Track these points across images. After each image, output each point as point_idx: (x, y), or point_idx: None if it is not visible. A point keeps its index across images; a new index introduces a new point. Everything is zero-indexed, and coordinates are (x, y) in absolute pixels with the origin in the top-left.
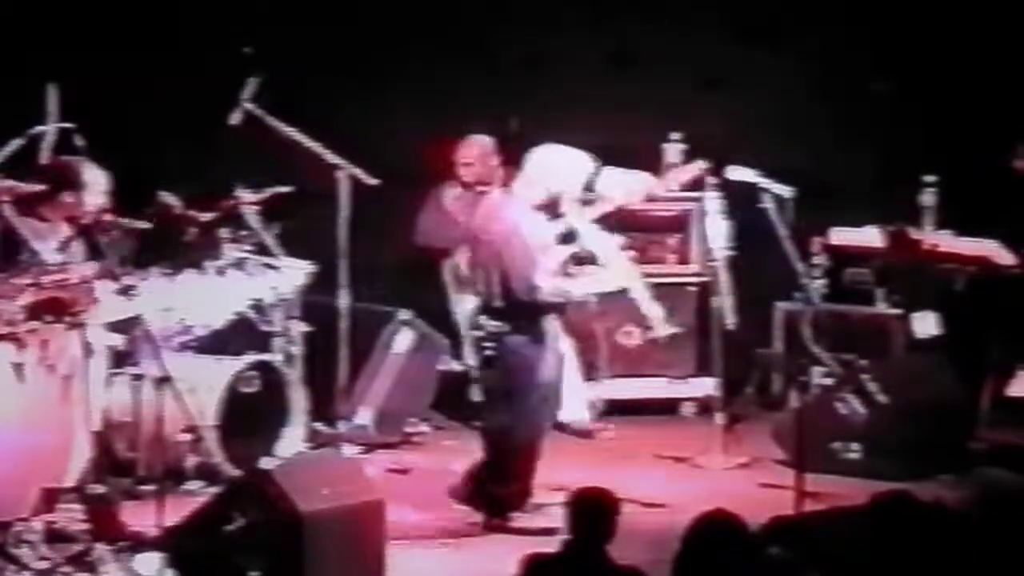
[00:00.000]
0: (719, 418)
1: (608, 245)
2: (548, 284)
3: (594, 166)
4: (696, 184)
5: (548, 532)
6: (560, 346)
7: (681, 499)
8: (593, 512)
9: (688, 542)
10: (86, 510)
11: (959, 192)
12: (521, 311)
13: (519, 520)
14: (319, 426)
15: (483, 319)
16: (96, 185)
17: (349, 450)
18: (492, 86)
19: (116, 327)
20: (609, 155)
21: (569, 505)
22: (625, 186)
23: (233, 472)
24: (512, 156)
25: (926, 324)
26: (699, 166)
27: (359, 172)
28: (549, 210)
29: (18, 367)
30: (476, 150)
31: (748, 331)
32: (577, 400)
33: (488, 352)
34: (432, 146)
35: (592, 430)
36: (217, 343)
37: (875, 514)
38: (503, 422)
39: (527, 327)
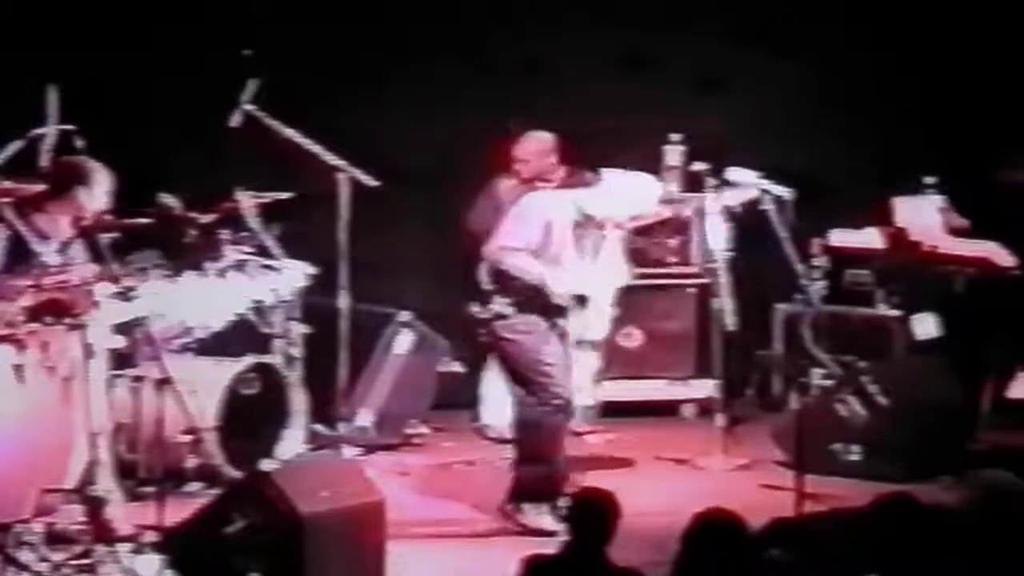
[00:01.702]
0: (719, 420)
1: (605, 284)
2: (515, 257)
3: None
4: (696, 185)
5: (546, 533)
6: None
7: (681, 501)
8: (593, 514)
9: (688, 541)
10: (86, 511)
11: (959, 193)
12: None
13: (525, 514)
14: (319, 428)
15: (474, 307)
16: (103, 185)
17: (349, 452)
18: (492, 87)
19: (117, 329)
20: (609, 157)
21: (570, 506)
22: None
23: (233, 474)
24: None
25: (926, 326)
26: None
27: (359, 174)
28: (592, 223)
29: (18, 368)
30: (533, 146)
31: (748, 333)
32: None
33: (483, 339)
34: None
35: (584, 431)
36: (217, 345)
37: (876, 515)
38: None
39: (523, 311)
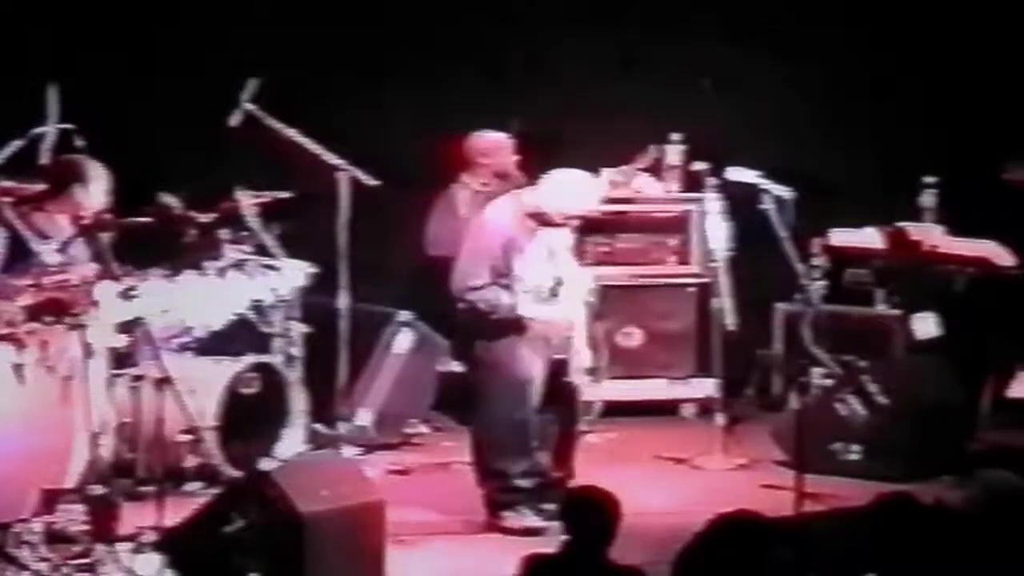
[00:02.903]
0: (719, 419)
1: (574, 276)
2: (484, 291)
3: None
4: (696, 185)
5: (533, 532)
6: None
7: (681, 500)
8: (594, 514)
9: (710, 541)
10: (86, 511)
11: (959, 193)
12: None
13: (508, 520)
14: (319, 427)
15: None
16: (103, 184)
17: (349, 451)
18: (493, 87)
19: (117, 328)
20: (609, 156)
21: (570, 506)
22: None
23: (233, 473)
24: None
25: (926, 325)
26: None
27: (359, 173)
28: (538, 219)
29: (18, 368)
30: (496, 144)
31: (748, 332)
32: None
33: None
34: (444, 146)
35: (584, 431)
36: (217, 344)
37: (876, 515)
38: (475, 420)
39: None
